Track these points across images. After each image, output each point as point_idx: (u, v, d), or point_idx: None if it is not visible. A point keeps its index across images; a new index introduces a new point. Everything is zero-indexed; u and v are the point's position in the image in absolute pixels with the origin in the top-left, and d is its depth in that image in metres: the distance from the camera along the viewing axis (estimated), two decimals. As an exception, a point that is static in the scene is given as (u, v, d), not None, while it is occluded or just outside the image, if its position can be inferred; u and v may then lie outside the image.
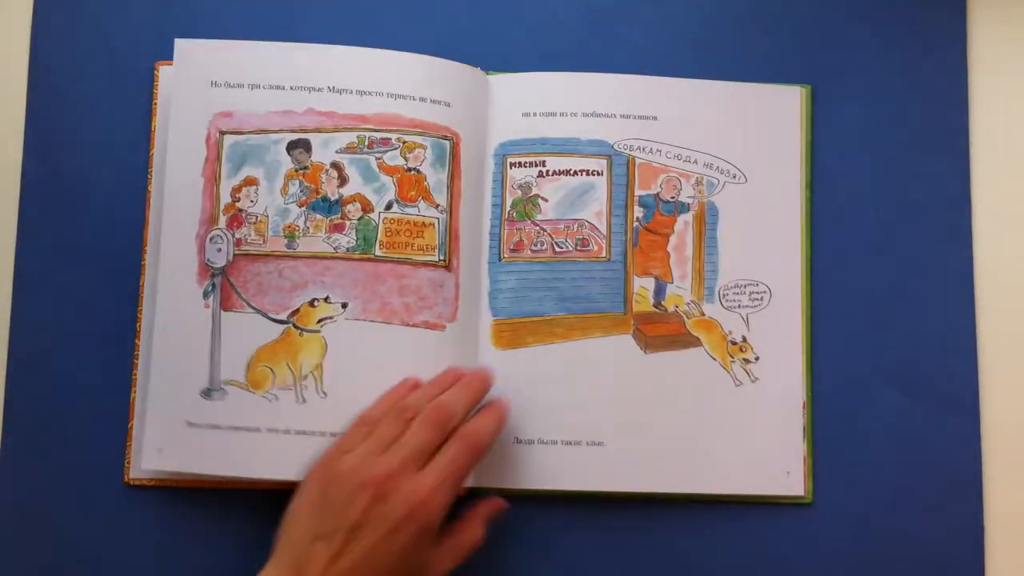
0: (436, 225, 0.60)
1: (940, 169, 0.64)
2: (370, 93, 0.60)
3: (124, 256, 0.61)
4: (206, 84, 0.60)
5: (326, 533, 0.50)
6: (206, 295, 0.59)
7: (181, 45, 0.60)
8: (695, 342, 0.61)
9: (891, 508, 0.60)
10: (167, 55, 0.62)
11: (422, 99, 0.60)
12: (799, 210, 0.63)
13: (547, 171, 0.62)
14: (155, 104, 0.62)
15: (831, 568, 0.60)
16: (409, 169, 0.59)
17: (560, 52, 0.63)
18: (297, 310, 0.59)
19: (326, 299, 0.58)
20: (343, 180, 0.59)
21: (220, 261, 0.59)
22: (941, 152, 0.64)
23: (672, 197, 0.62)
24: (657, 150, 0.62)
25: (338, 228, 0.59)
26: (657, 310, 0.62)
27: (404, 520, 0.49)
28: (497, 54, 0.63)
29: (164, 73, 0.62)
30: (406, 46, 0.62)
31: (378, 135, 0.59)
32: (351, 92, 0.60)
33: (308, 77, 0.60)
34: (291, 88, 0.60)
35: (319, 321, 0.58)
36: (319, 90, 0.60)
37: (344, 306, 0.58)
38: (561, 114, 0.62)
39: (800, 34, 0.64)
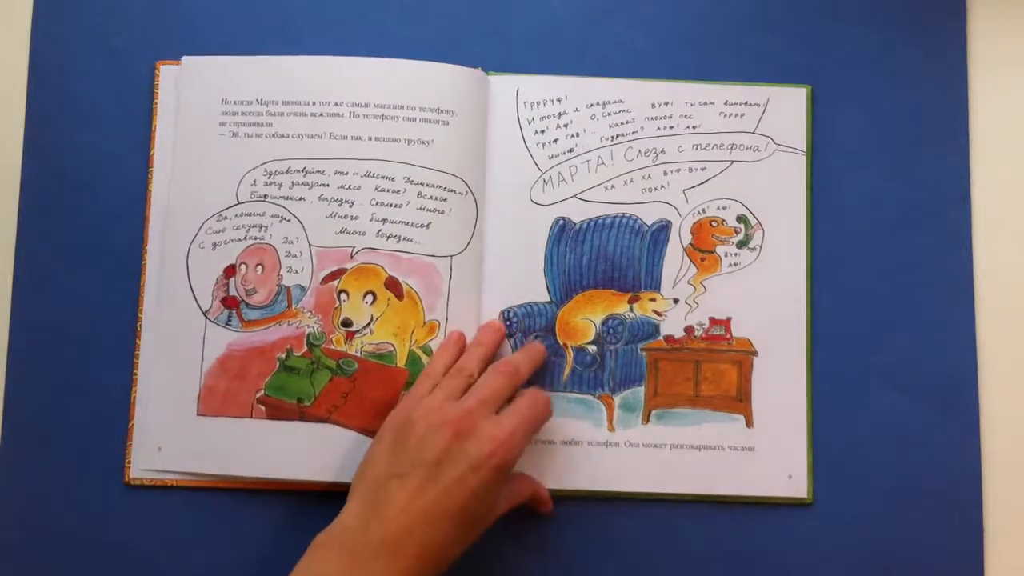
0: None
1: (940, 169, 0.64)
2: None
3: (124, 256, 0.61)
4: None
5: (403, 472, 0.51)
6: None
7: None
8: (695, 342, 0.62)
9: (891, 508, 0.60)
10: (167, 55, 0.62)
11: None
12: (801, 211, 0.63)
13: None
14: (155, 104, 0.62)
15: (831, 568, 0.60)
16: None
17: (560, 53, 0.63)
18: None
19: None
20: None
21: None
22: (941, 152, 0.64)
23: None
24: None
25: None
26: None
27: (486, 458, 0.51)
28: (497, 54, 0.63)
29: (164, 73, 0.62)
30: (405, 48, 0.62)
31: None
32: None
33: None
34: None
35: None
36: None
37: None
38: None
39: (800, 34, 0.64)
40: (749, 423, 0.61)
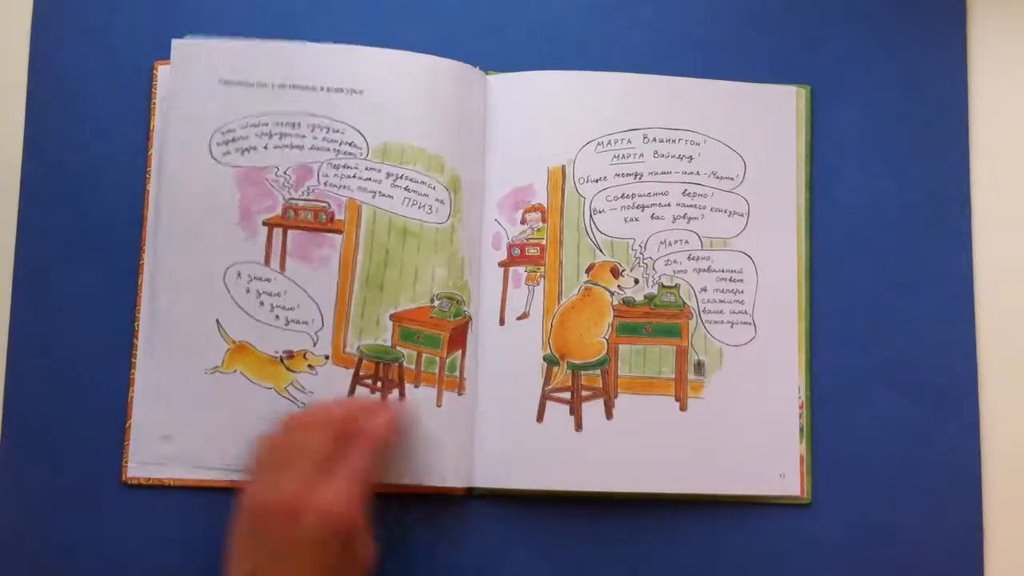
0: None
1: (940, 169, 0.64)
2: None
3: (124, 255, 0.61)
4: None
5: (254, 568, 0.49)
6: None
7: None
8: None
9: (891, 508, 0.60)
10: (167, 55, 0.62)
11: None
12: (798, 210, 0.62)
13: None
14: (154, 104, 0.62)
15: (831, 568, 0.60)
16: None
17: (559, 52, 0.63)
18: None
19: None
20: None
21: None
22: (941, 152, 0.64)
23: None
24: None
25: None
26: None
27: (326, 534, 0.49)
28: (496, 54, 0.63)
29: (163, 73, 0.62)
30: (404, 47, 0.62)
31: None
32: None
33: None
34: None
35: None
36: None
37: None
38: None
39: (800, 34, 0.64)
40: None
